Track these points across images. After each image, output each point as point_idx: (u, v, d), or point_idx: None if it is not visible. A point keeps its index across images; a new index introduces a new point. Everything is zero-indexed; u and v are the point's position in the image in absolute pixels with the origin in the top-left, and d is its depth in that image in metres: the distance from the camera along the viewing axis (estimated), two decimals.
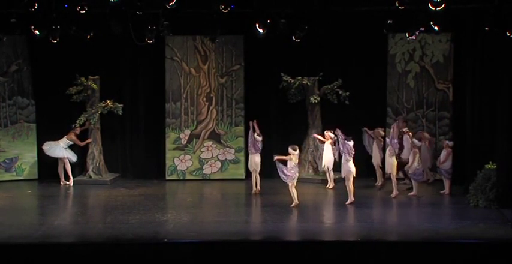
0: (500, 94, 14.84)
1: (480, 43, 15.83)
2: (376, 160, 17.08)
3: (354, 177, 15.30)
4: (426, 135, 16.96)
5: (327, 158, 16.91)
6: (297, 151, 15.08)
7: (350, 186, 15.21)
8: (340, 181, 17.11)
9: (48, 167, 18.02)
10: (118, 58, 18.19)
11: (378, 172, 17.11)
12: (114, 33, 15.48)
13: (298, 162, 15.30)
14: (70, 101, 17.84)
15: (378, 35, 16.83)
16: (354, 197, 15.23)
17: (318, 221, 14.25)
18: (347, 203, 15.17)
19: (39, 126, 18.32)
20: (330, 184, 17.06)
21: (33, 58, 18.10)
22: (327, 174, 17.09)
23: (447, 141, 16.51)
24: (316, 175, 17.96)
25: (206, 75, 18.41)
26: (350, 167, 15.20)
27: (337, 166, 16.73)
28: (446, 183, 16.21)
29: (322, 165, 17.13)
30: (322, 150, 17.23)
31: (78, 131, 17.84)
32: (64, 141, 17.74)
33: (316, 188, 17.16)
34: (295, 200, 14.95)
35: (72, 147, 17.89)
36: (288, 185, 14.96)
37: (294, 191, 14.97)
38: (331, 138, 16.79)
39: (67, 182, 17.74)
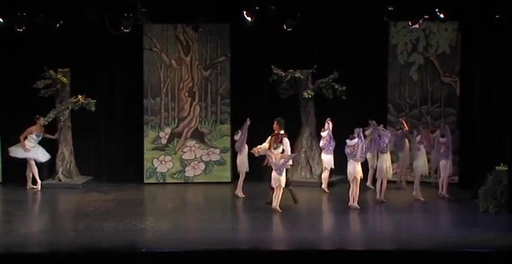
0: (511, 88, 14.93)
1: (490, 32, 15.89)
2: (370, 161, 17.16)
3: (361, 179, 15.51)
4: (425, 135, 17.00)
5: (330, 157, 17.01)
6: (278, 149, 15.05)
7: (356, 189, 15.34)
8: (337, 184, 17.24)
9: (12, 169, 17.97)
10: (91, 49, 18.13)
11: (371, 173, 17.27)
12: (87, 21, 15.46)
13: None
14: (37, 96, 17.79)
15: (377, 23, 16.89)
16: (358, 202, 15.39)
17: (313, 228, 14.27)
18: (353, 205, 15.32)
19: (2, 124, 18.25)
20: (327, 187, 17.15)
21: None
22: (324, 175, 17.15)
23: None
24: (310, 178, 18.00)
25: (188, 67, 18.41)
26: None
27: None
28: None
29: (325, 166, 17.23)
30: (318, 150, 17.37)
31: (42, 122, 17.63)
32: (29, 140, 17.64)
33: (310, 192, 17.18)
34: (276, 206, 15.03)
35: (43, 144, 17.79)
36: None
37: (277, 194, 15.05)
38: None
39: (34, 186, 17.68)
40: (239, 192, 16.65)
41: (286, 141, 15.75)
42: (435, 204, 16.03)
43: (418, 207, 15.79)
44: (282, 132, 15.97)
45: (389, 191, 16.37)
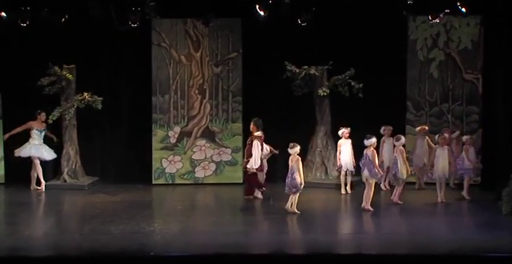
0: None
1: None
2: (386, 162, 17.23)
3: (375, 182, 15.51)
4: (445, 135, 16.98)
5: (346, 158, 17.01)
6: (295, 148, 15.06)
7: (370, 192, 15.36)
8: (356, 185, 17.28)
9: (16, 169, 18.07)
10: (97, 44, 18.20)
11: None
12: (93, 16, 15.52)
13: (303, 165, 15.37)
14: (42, 93, 17.86)
15: (396, 17, 16.88)
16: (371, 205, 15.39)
17: (328, 232, 14.28)
18: (366, 207, 15.36)
19: (6, 122, 18.35)
20: (344, 189, 17.14)
21: None
22: (342, 178, 17.16)
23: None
24: (326, 179, 18.02)
25: (199, 64, 18.45)
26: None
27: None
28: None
29: (340, 167, 17.21)
30: (335, 150, 17.43)
31: (43, 117, 17.72)
32: (33, 137, 17.73)
33: (326, 193, 17.21)
34: (293, 208, 15.10)
35: (48, 143, 17.87)
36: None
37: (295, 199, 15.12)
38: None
39: (38, 187, 17.76)
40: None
41: (254, 143, 15.91)
42: (455, 206, 16.04)
43: (437, 209, 15.79)
44: (257, 133, 16.10)
45: (407, 192, 16.38)
